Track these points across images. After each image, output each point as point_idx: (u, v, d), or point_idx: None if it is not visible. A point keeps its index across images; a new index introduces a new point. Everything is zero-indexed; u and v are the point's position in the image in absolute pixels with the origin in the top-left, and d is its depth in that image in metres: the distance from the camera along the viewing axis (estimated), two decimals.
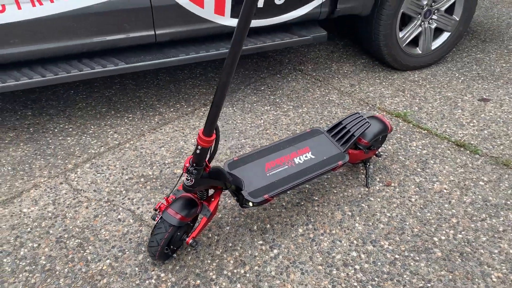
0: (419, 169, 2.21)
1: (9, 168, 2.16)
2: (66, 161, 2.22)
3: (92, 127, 2.48)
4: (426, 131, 2.50)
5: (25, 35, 2.01)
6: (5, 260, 1.70)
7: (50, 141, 2.36)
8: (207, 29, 2.39)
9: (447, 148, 2.36)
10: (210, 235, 1.83)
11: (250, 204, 1.67)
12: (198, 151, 1.43)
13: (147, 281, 1.62)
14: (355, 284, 1.63)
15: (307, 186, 2.10)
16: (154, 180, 2.11)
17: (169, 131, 2.46)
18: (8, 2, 1.93)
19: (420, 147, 2.37)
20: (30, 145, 2.32)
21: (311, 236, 1.83)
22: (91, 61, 2.26)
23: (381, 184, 2.11)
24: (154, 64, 2.33)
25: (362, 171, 2.19)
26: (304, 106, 2.73)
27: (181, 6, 2.24)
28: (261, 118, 2.60)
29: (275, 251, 1.76)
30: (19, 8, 1.97)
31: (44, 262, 1.69)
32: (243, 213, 1.94)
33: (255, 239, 1.81)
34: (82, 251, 1.74)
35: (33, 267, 1.67)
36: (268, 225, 1.88)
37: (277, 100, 2.78)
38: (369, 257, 1.73)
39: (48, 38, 2.07)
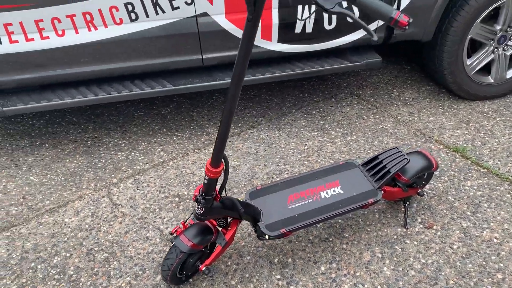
0: (468, 213, 2.00)
1: (62, 178, 2.34)
2: (112, 175, 2.35)
3: (142, 143, 2.60)
4: (485, 170, 2.26)
5: (82, 57, 2.17)
6: (39, 266, 1.83)
7: (103, 154, 2.52)
8: (254, 53, 2.40)
9: (508, 191, 2.12)
10: (229, 263, 1.81)
11: (266, 237, 1.63)
12: (206, 181, 1.43)
13: None
14: None
15: (339, 221, 2.00)
16: (187, 200, 2.15)
17: (210, 151, 2.49)
18: (67, 27, 2.11)
19: (475, 187, 2.15)
20: (84, 157, 2.49)
21: (333, 276, 1.74)
22: (142, 82, 2.38)
23: (421, 225, 1.95)
24: (200, 87, 2.39)
25: (403, 209, 2.03)
26: (353, 133, 2.62)
27: (227, 31, 2.28)
28: (306, 144, 2.54)
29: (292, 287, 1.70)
30: (77, 32, 2.13)
31: (71, 273, 1.79)
32: (266, 243, 1.90)
33: (273, 273, 1.76)
34: (107, 266, 1.82)
35: (61, 276, 1.78)
36: (290, 259, 1.82)
37: (326, 126, 2.70)
38: None
39: (103, 60, 2.21)
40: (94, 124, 2.81)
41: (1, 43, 2.07)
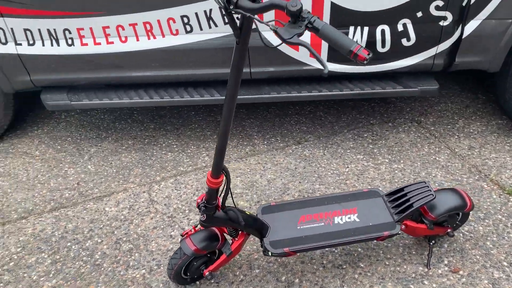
0: (505, 263, 1.82)
1: (114, 170, 2.56)
2: (157, 173, 2.51)
3: (192, 147, 2.75)
4: None
5: (141, 63, 2.37)
6: (73, 247, 2.03)
7: (155, 153, 2.71)
8: (302, 71, 2.42)
9: None
10: (237, 273, 1.86)
11: (269, 253, 1.65)
12: (207, 191, 1.49)
13: None
14: None
15: (358, 249, 1.94)
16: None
17: (252, 163, 2.56)
18: (130, 34, 2.32)
19: None
20: (138, 154, 2.70)
21: None
22: (194, 90, 2.53)
23: (446, 268, 1.82)
24: (246, 99, 2.47)
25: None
26: (402, 161, 2.51)
27: (276, 48, 2.32)
28: (348, 167, 2.49)
29: None
30: (137, 40, 2.33)
31: (97, 257, 1.97)
32: (279, 260, 1.90)
33: None
34: (129, 256, 1.97)
35: (89, 258, 1.96)
36: (297, 280, 1.81)
37: (375, 151, 2.62)
38: None
39: (159, 66, 2.39)
40: (155, 124, 3.02)
41: (74, 45, 2.34)
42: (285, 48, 2.33)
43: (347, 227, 1.72)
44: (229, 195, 1.54)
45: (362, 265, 1.86)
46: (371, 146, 2.66)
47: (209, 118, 3.05)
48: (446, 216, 1.81)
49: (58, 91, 2.55)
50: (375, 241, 1.80)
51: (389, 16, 2.23)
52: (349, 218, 1.75)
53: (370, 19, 2.24)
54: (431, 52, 2.35)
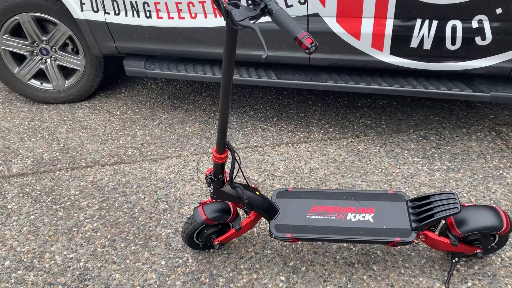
0: None
1: (176, 138, 2.76)
2: (211, 146, 2.66)
3: (250, 126, 2.84)
4: None
5: (207, 39, 2.50)
6: (120, 198, 2.27)
7: (215, 127, 2.85)
8: (363, 61, 2.34)
9: None
10: (250, 249, 1.92)
11: (273, 236, 1.68)
12: (214, 165, 1.57)
13: (176, 259, 1.89)
14: None
15: (378, 252, 1.87)
16: (252, 184, 2.30)
17: (301, 149, 2.56)
18: (199, 11, 2.46)
19: None
20: (201, 126, 2.87)
21: None
22: (254, 70, 2.59)
23: None
24: (302, 84, 2.46)
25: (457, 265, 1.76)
26: (461, 171, 2.31)
27: (336, 35, 2.28)
28: (399, 168, 2.37)
29: None
30: (205, 17, 2.46)
31: (136, 211, 2.18)
32: (293, 246, 1.92)
33: (281, 274, 1.80)
34: (161, 215, 2.14)
35: (128, 211, 2.18)
36: (304, 268, 1.82)
37: (435, 156, 2.44)
38: None
39: (222, 44, 2.50)
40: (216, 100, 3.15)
41: (151, 17, 2.55)
42: (346, 36, 2.27)
43: (358, 226, 1.67)
44: (239, 172, 1.59)
45: (375, 268, 1.79)
46: (433, 150, 2.48)
47: (275, 101, 3.10)
48: (477, 235, 1.65)
49: (138, 59, 2.80)
50: (386, 245, 1.72)
51: (463, 10, 2.04)
52: (363, 217, 1.70)
53: (440, 12, 2.07)
54: (510, 54, 2.09)
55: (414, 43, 2.19)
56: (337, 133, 2.69)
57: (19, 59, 3.07)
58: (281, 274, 1.79)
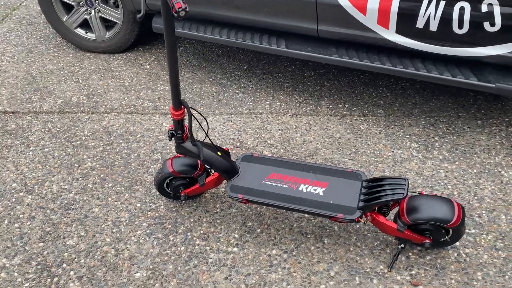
0: None
1: (190, 96, 2.91)
2: (220, 108, 2.77)
3: (262, 93, 2.90)
4: None
5: (240, 4, 2.55)
6: (122, 144, 2.48)
7: (230, 90, 2.95)
8: (369, 38, 2.28)
9: None
10: (217, 206, 2.04)
11: (228, 194, 1.79)
12: (173, 121, 1.69)
13: (150, 204, 2.06)
14: None
15: (335, 227, 1.90)
16: (245, 150, 2.40)
17: (302, 121, 2.59)
18: None
19: None
20: (218, 87, 2.98)
21: (274, 263, 1.76)
22: (268, 38, 2.63)
23: (408, 278, 1.67)
24: (309, 56, 2.46)
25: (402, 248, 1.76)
26: (456, 163, 2.22)
27: (342, 8, 2.24)
28: (393, 151, 2.32)
29: (232, 248, 1.82)
30: None
31: (132, 157, 2.38)
32: (258, 209, 2.01)
33: (236, 231, 1.90)
34: (153, 164, 2.32)
35: (126, 156, 2.39)
36: (259, 230, 1.91)
37: (436, 144, 2.36)
38: None
39: (234, 10, 2.53)
40: (249, 65, 3.23)
41: None
42: (352, 10, 2.22)
43: (306, 197, 1.71)
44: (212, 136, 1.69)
45: (325, 241, 1.83)
46: (435, 138, 2.39)
47: (297, 72, 3.11)
48: (427, 225, 1.63)
49: None
50: (330, 220, 1.75)
51: None
52: (315, 189, 1.73)
53: None
54: None
55: (420, 23, 2.10)
56: (345, 110, 2.67)
57: (68, 8, 3.36)
58: (236, 232, 1.90)
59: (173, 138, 1.74)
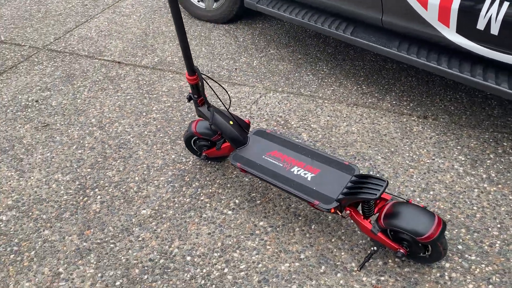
0: None
1: (264, 71, 3.07)
2: (284, 85, 2.86)
3: (332, 78, 2.90)
4: None
5: None
6: (186, 104, 2.78)
7: (302, 71, 3.02)
8: (429, 35, 2.14)
9: None
10: (235, 172, 2.20)
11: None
12: (190, 86, 1.89)
13: (182, 157, 2.32)
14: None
15: (329, 217, 1.92)
16: (287, 129, 2.49)
17: (356, 112, 2.55)
18: None
19: None
20: (293, 67, 3.07)
21: (257, 233, 1.87)
22: (330, 21, 2.62)
23: (373, 281, 1.64)
24: (371, 46, 2.41)
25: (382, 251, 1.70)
26: (498, 186, 2.00)
27: (406, 1, 2.14)
28: (433, 159, 2.18)
29: (227, 211, 1.98)
30: None
31: (188, 117, 2.66)
32: (266, 185, 2.12)
33: (239, 198, 2.05)
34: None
35: (183, 114, 2.68)
36: (258, 202, 2.02)
37: (487, 162, 2.13)
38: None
39: None
40: (333, 49, 3.24)
41: None
42: (413, 1, 2.10)
43: (294, 179, 1.77)
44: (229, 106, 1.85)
45: (312, 227, 1.87)
46: (490, 156, 2.16)
47: (379, 63, 3.02)
48: (404, 234, 1.57)
49: None
50: (309, 206, 1.77)
51: None
52: (305, 174, 1.78)
53: None
54: None
55: (480, 25, 1.90)
56: (407, 109, 2.55)
57: None
58: (239, 198, 2.04)
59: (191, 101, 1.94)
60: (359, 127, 2.42)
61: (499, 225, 1.80)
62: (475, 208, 1.88)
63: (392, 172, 2.11)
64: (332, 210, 1.63)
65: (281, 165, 1.83)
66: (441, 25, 2.04)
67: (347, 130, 2.41)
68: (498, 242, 1.73)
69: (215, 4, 3.64)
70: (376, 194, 1.53)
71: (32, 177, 2.24)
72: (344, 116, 2.52)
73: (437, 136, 2.30)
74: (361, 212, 1.68)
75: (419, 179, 2.06)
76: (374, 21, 2.36)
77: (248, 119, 2.12)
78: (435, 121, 2.42)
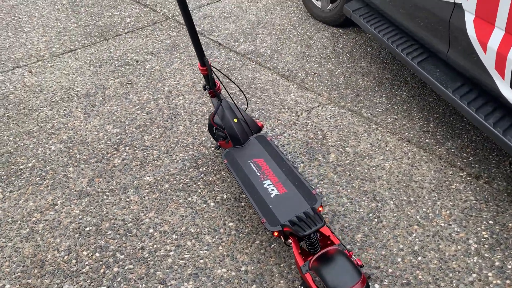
0: None
1: (337, 82, 2.96)
2: (350, 104, 2.74)
3: (403, 107, 2.66)
4: None
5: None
6: (232, 86, 2.88)
7: (379, 92, 2.83)
8: (484, 82, 1.83)
9: None
10: None
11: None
12: (203, 76, 1.98)
13: (209, 143, 2.44)
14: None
15: None
16: (320, 145, 2.41)
17: (401, 149, 2.31)
18: None
19: None
20: (372, 85, 2.89)
21: (218, 230, 1.92)
22: (406, 42, 2.39)
23: None
24: (427, 80, 2.16)
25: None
26: (497, 249, 1.66)
27: (468, 37, 1.86)
28: (438, 214, 1.90)
29: (210, 202, 2.04)
30: None
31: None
32: None
33: (227, 193, 2.09)
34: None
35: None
36: (243, 203, 2.04)
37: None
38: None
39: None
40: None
41: None
42: (474, 41, 1.81)
43: (260, 192, 1.74)
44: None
45: (273, 246, 1.82)
46: (496, 229, 1.78)
47: None
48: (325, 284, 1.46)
49: (358, 4, 2.98)
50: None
51: None
52: (272, 190, 1.74)
53: None
54: None
55: None
56: (462, 162, 2.21)
57: None
58: (229, 193, 2.08)
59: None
60: (394, 164, 2.20)
61: None
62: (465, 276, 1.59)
63: (394, 222, 1.89)
64: (276, 234, 1.58)
65: (258, 174, 1.81)
66: (497, 74, 1.72)
67: (379, 165, 2.21)
68: None
69: (330, 5, 3.58)
70: (304, 231, 1.43)
71: (91, 122, 2.62)
72: (387, 149, 2.31)
73: (474, 202, 1.96)
74: (306, 246, 1.58)
75: (417, 239, 1.81)
76: (441, 54, 2.08)
77: (262, 123, 2.12)
78: (486, 184, 2.05)
